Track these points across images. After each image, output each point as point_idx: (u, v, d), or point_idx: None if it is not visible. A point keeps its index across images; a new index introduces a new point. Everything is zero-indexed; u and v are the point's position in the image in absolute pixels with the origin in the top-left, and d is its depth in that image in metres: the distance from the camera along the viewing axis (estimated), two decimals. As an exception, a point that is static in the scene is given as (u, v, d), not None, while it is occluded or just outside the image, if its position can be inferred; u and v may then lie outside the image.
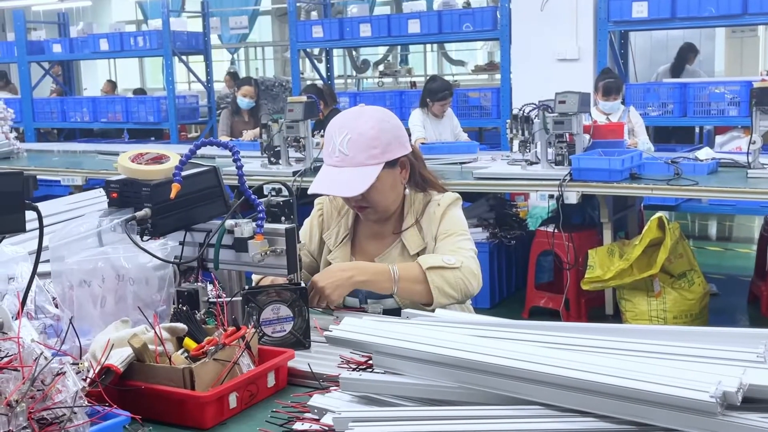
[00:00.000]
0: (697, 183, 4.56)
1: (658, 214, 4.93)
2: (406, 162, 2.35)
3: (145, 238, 1.96)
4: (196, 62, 10.98)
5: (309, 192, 2.30)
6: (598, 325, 1.43)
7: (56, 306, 1.83)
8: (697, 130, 8.38)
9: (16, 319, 1.49)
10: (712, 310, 5.12)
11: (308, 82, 9.69)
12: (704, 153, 5.08)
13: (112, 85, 13.54)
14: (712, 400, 1.08)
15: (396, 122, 2.32)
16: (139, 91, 12.71)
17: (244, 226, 1.97)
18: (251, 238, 1.97)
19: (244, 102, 7.58)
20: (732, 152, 5.91)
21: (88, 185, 6.12)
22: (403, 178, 2.37)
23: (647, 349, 1.27)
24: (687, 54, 9.04)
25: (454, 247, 2.29)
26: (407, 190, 2.41)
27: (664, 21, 6.93)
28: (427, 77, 7.70)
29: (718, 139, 7.37)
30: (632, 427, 1.17)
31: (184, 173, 1.98)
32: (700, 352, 1.23)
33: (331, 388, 1.52)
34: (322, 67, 10.08)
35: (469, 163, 5.72)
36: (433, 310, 1.89)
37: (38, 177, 7.17)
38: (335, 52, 11.03)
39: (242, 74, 15.19)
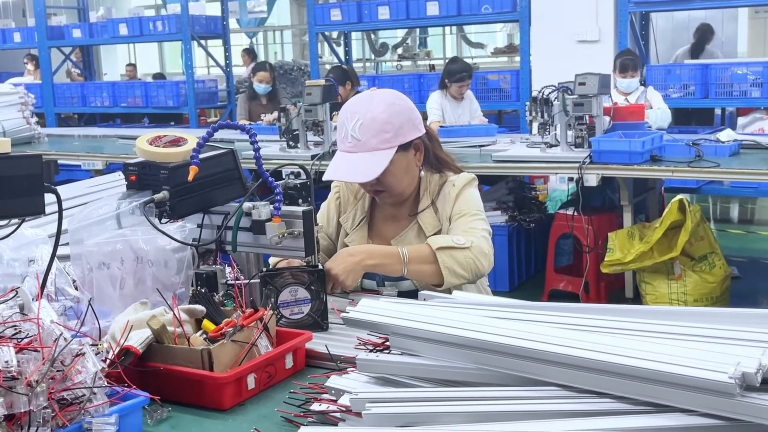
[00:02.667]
0: (718, 165, 4.51)
1: (679, 196, 4.89)
2: (420, 144, 2.34)
3: (164, 220, 1.97)
4: (215, 46, 10.99)
5: (324, 179, 2.29)
6: (614, 306, 1.43)
7: (76, 288, 1.85)
8: (718, 111, 8.29)
9: (37, 300, 1.50)
10: (734, 293, 5.08)
11: (327, 66, 9.68)
12: (726, 135, 5.03)
13: (132, 68, 13.59)
14: (731, 381, 1.07)
15: (408, 104, 2.31)
16: (159, 76, 12.74)
17: (262, 209, 1.98)
18: (269, 220, 1.97)
19: (260, 87, 7.59)
20: (754, 134, 5.85)
21: (109, 169, 6.15)
22: (418, 160, 2.36)
23: (665, 330, 1.26)
24: (707, 35, 8.93)
25: (467, 227, 2.28)
26: (422, 172, 2.40)
27: (686, 1, 6.86)
28: (447, 60, 7.68)
29: (740, 120, 7.30)
30: (650, 408, 1.16)
31: (201, 156, 1.99)
32: (719, 333, 1.22)
33: (348, 370, 1.52)
34: (340, 50, 10.07)
35: (488, 145, 5.70)
36: (449, 291, 1.89)
37: (59, 162, 7.22)
38: (354, 35, 11.00)
39: (261, 58, 15.20)
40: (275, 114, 6.26)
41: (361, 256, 2.18)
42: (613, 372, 1.18)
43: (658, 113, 5.96)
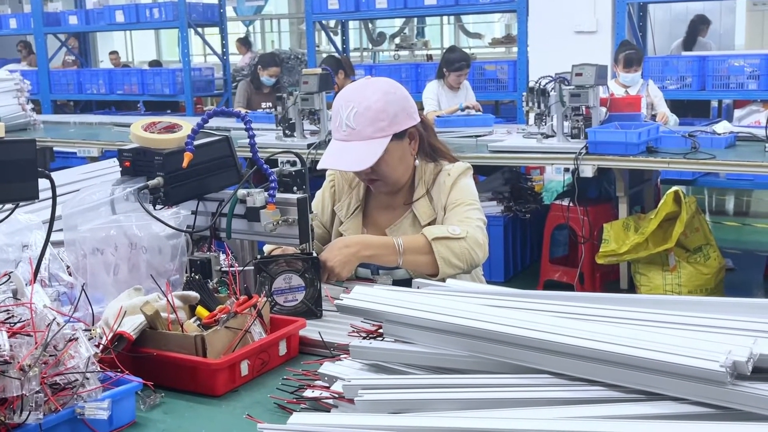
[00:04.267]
0: (714, 157, 4.51)
1: (675, 188, 4.89)
2: (414, 133, 2.34)
3: (158, 206, 1.97)
4: (212, 34, 10.95)
5: (318, 167, 2.29)
6: (607, 295, 1.43)
7: (70, 274, 1.85)
8: (715, 104, 8.30)
9: (30, 285, 1.50)
10: (728, 285, 5.10)
11: (324, 55, 9.66)
12: (722, 126, 5.04)
13: (116, 56, 13.54)
14: (722, 369, 1.08)
15: (403, 93, 2.30)
16: (155, 63, 12.68)
17: (256, 196, 1.98)
18: (263, 207, 1.97)
19: (270, 81, 7.60)
20: (750, 126, 5.85)
21: (104, 157, 6.13)
22: (413, 149, 2.36)
23: (657, 318, 1.26)
24: (699, 26, 8.91)
25: (462, 217, 2.28)
26: (417, 161, 2.40)
27: (684, -8, 6.84)
28: (445, 50, 7.66)
29: (737, 113, 7.29)
30: (641, 396, 1.16)
31: (196, 142, 1.98)
32: (711, 322, 1.23)
33: (341, 357, 1.53)
34: (337, 39, 10.04)
35: (484, 136, 5.70)
36: (443, 280, 1.89)
37: (55, 149, 7.20)
38: (351, 24, 10.95)
39: (257, 46, 15.15)
40: None
41: (357, 247, 2.18)
42: (605, 360, 1.18)
43: (672, 119, 6.00)
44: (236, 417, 1.50)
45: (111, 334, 1.57)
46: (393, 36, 14.81)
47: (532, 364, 1.26)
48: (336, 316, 1.86)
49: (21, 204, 1.66)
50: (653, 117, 5.98)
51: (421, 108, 6.34)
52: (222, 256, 2.02)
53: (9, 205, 1.63)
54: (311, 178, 2.17)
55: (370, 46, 14.74)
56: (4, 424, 1.25)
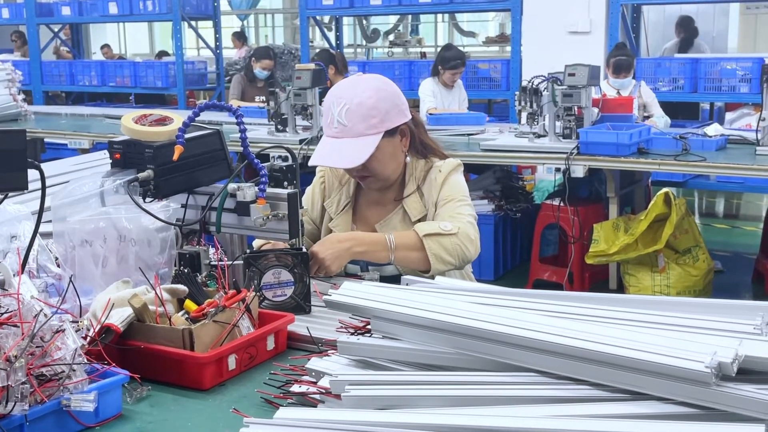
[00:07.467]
0: (705, 159, 4.53)
1: (665, 189, 4.91)
2: (406, 130, 2.34)
3: (148, 199, 1.96)
4: (206, 28, 10.93)
5: (309, 164, 2.29)
6: (596, 294, 1.43)
7: (58, 265, 1.84)
8: (705, 106, 8.32)
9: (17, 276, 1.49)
10: (717, 286, 5.12)
11: (317, 50, 9.65)
12: (713, 129, 5.06)
13: (108, 49, 13.49)
14: (707, 370, 1.08)
15: (394, 90, 2.30)
16: (163, 54, 12.52)
17: (247, 190, 1.97)
18: (253, 202, 1.97)
19: (263, 74, 7.60)
20: (741, 129, 5.87)
21: (96, 149, 6.11)
22: (404, 146, 2.36)
23: (644, 318, 1.27)
24: (691, 27, 8.90)
25: (453, 213, 2.28)
26: (408, 158, 2.40)
27: (677, -5, 6.85)
28: (439, 47, 7.67)
29: (728, 115, 7.32)
30: (626, 396, 1.17)
31: (187, 136, 1.98)
32: (697, 323, 1.23)
33: (329, 352, 1.53)
34: (331, 35, 10.03)
35: (476, 134, 5.70)
36: (432, 277, 1.90)
37: (46, 140, 7.17)
38: (345, 20, 10.97)
39: (251, 41, 15.13)
40: None
41: (350, 243, 2.18)
42: (590, 359, 1.19)
43: (662, 121, 6.01)
44: (223, 411, 1.50)
45: (98, 326, 1.57)
46: (387, 33, 14.81)
47: (519, 362, 1.26)
48: (324, 312, 1.86)
49: (10, 194, 1.65)
50: (645, 118, 5.99)
51: (414, 105, 6.35)
52: (211, 250, 2.02)
53: (-2, 195, 1.63)
54: (302, 173, 2.16)
55: (364, 43, 14.75)
56: (-11, 415, 1.25)
